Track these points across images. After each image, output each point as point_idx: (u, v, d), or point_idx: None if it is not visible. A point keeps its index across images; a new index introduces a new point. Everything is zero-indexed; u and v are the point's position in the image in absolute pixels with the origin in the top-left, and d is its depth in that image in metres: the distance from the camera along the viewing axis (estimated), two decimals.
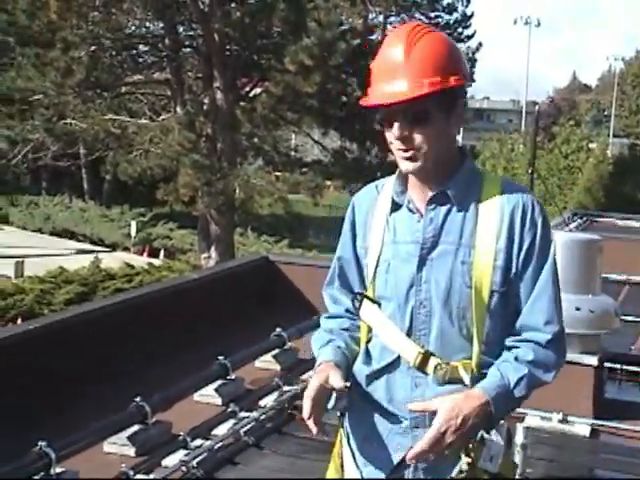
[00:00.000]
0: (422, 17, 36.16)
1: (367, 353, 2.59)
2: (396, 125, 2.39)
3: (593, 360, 5.48)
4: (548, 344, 2.44)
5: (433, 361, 2.43)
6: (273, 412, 5.30)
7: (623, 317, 6.42)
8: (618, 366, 6.26)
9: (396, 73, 2.37)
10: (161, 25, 22.97)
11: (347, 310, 2.67)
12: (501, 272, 2.43)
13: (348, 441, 2.62)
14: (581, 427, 5.32)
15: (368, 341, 2.60)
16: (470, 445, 2.36)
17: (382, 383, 2.53)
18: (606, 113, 78.40)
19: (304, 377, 5.86)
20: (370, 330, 2.58)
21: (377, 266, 2.53)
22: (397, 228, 2.52)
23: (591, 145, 48.08)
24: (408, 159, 2.41)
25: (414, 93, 2.34)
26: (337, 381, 2.44)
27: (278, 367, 6.20)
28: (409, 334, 2.47)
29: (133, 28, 23.81)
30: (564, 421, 5.31)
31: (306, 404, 2.43)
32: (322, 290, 2.75)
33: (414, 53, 2.36)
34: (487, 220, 2.43)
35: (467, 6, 35.17)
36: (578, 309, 5.44)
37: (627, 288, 10.23)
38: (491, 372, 2.42)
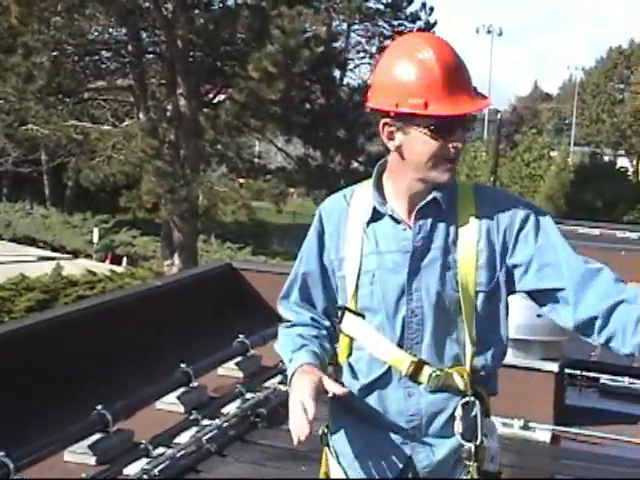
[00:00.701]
0: (385, 25, 36.29)
1: (351, 368, 2.54)
2: (459, 135, 2.37)
3: (554, 367, 5.53)
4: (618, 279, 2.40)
5: (427, 369, 2.40)
6: (236, 420, 5.29)
7: None
8: (578, 372, 6.32)
9: (464, 81, 2.36)
10: (124, 31, 22.93)
11: (312, 319, 2.60)
12: (485, 272, 2.42)
13: (338, 459, 2.56)
14: (542, 433, 5.36)
15: (349, 355, 2.55)
16: (477, 449, 2.39)
17: (373, 397, 2.49)
18: (567, 122, 79.13)
19: (267, 384, 5.86)
20: (351, 344, 2.53)
21: (359, 277, 2.48)
22: (379, 238, 2.47)
23: (552, 153, 48.58)
24: (453, 170, 2.42)
25: (486, 100, 2.38)
26: (334, 386, 2.35)
27: (241, 374, 6.19)
28: (400, 344, 2.43)
29: (96, 34, 23.75)
30: (525, 427, 5.35)
31: (299, 412, 2.25)
32: (277, 303, 2.68)
33: (464, 62, 2.40)
34: (466, 223, 2.43)
35: (430, 15, 35.18)
36: (539, 316, 5.46)
37: None
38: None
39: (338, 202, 2.58)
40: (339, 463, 2.56)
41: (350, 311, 2.49)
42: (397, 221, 2.46)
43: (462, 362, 2.43)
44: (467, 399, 2.41)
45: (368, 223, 2.49)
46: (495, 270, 2.43)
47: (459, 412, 2.40)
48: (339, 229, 2.54)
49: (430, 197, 2.43)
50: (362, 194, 2.53)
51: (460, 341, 2.43)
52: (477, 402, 2.41)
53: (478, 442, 2.40)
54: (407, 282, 2.42)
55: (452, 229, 2.44)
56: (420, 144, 2.37)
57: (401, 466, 2.46)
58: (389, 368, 2.45)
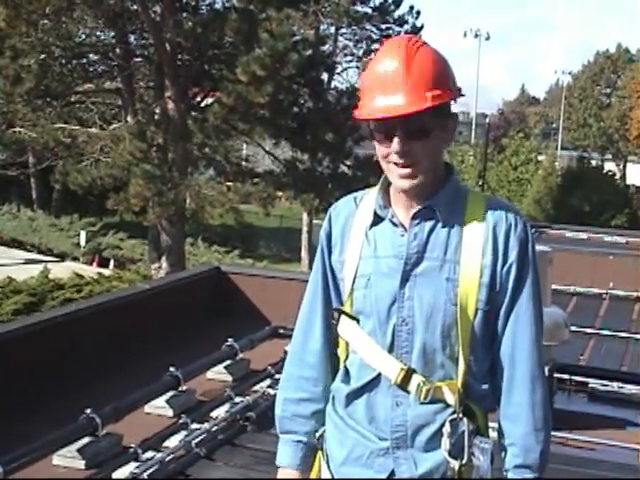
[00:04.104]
0: (373, 29, 36.32)
1: (346, 371, 2.52)
2: (396, 140, 2.30)
3: None
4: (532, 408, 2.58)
5: (415, 379, 2.36)
6: (225, 424, 5.29)
7: (572, 328, 6.50)
8: (567, 377, 6.33)
9: (397, 86, 2.28)
10: (112, 34, 22.83)
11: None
12: (486, 289, 2.37)
13: (328, 463, 2.55)
14: None
15: (346, 358, 2.53)
16: (462, 468, 2.35)
17: (362, 402, 2.46)
18: (554, 126, 79.37)
19: (256, 388, 5.85)
20: (348, 347, 2.52)
21: (355, 280, 2.46)
22: (378, 242, 2.45)
23: (540, 157, 48.71)
24: (407, 176, 2.34)
25: (418, 106, 2.26)
26: None
27: (230, 378, 6.18)
28: (390, 351, 2.39)
29: (84, 36, 23.62)
30: None
31: None
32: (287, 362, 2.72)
33: (415, 65, 2.28)
34: (472, 236, 2.38)
35: (417, 18, 35.19)
36: None
37: (575, 299, 10.38)
38: None
39: (347, 204, 2.58)
40: (328, 467, 2.55)
41: (345, 314, 2.48)
42: (396, 226, 2.44)
43: (453, 377, 2.38)
44: (455, 415, 2.37)
45: (370, 227, 2.47)
46: (494, 289, 2.39)
47: (447, 428, 2.36)
48: (344, 231, 2.53)
49: (425, 204, 2.40)
50: (371, 197, 2.52)
51: (453, 356, 2.38)
52: (465, 419, 2.37)
53: (464, 461, 2.36)
54: (399, 289, 2.39)
55: (454, 240, 2.39)
56: (376, 148, 2.40)
57: (383, 477, 2.42)
58: (379, 374, 2.42)
